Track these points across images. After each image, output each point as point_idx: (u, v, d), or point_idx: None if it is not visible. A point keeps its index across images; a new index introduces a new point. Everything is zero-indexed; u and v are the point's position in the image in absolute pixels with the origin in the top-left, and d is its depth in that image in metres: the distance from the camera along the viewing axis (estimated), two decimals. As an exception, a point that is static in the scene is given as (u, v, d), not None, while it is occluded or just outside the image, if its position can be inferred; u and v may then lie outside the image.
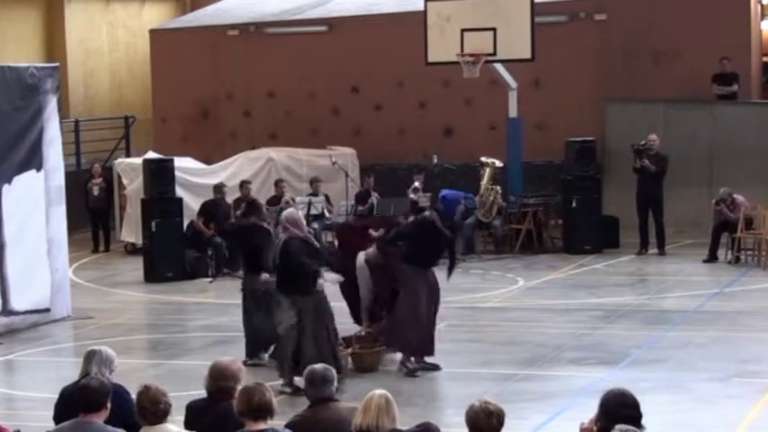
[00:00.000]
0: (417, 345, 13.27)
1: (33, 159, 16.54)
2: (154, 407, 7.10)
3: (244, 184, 21.72)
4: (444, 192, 21.85)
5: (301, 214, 13.69)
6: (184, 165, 22.46)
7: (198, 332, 16.28)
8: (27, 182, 16.42)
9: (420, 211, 14.38)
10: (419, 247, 13.32)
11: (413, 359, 13.29)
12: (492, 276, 19.62)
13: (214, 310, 17.60)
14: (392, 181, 23.35)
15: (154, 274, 20.03)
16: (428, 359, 13.42)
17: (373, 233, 14.29)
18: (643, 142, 20.99)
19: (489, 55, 21.19)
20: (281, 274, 12.71)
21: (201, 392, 7.69)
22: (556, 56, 23.71)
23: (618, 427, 6.23)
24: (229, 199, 21.32)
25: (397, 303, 13.41)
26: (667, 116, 23.80)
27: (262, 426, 6.86)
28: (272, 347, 13.59)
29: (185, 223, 20.85)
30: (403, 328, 13.21)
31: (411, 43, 22.65)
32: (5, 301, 16.07)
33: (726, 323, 15.64)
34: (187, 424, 7.55)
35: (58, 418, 7.93)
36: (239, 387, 7.24)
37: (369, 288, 14.32)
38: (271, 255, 13.21)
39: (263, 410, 6.87)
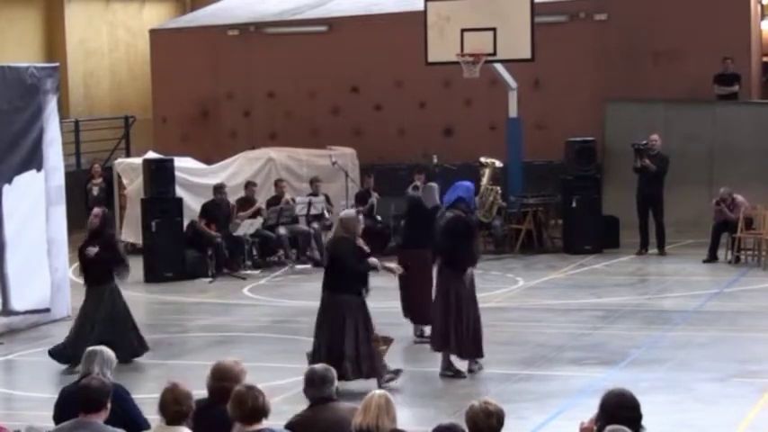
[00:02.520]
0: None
1: (33, 159, 16.54)
2: (176, 406, 7.06)
3: (249, 185, 21.75)
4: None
5: (360, 216, 13.45)
6: (184, 165, 22.45)
7: (198, 332, 16.29)
8: (27, 182, 16.42)
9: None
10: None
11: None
12: (492, 276, 19.61)
13: (214, 310, 17.62)
14: (392, 181, 23.34)
15: (154, 274, 20.04)
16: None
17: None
18: (644, 142, 21.00)
19: (489, 55, 21.19)
20: (328, 272, 12.65)
21: (202, 392, 7.69)
22: (556, 56, 23.72)
23: (609, 427, 6.23)
24: (231, 199, 21.34)
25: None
26: (667, 116, 23.81)
27: (257, 426, 6.86)
28: None
29: (185, 223, 20.85)
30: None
31: (411, 43, 22.65)
32: (5, 301, 16.08)
33: (726, 323, 15.64)
34: (187, 423, 7.55)
35: (58, 418, 7.93)
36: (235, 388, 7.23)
37: None
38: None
39: (256, 414, 6.86)
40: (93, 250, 13.85)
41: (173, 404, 7.04)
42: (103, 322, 13.89)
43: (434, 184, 15.76)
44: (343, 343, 12.34)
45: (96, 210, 14.52)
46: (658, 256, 20.85)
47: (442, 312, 13.19)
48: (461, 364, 13.26)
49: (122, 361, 13.63)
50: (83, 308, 14.14)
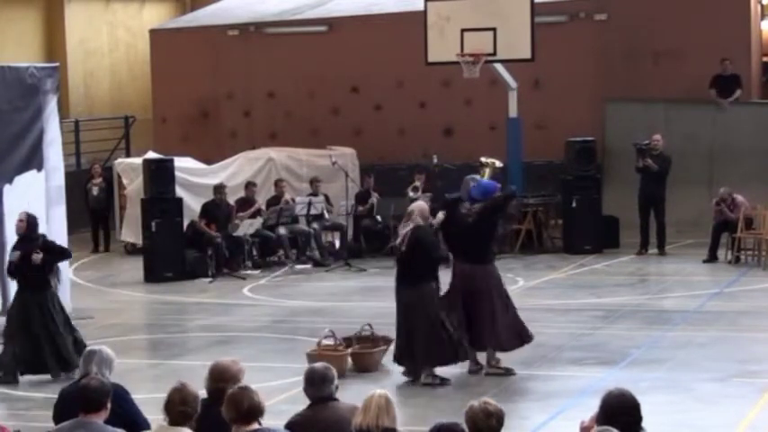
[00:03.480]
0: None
1: (34, 159, 16.54)
2: (182, 407, 7.02)
3: (249, 185, 21.75)
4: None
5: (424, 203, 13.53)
6: (184, 165, 22.46)
7: (198, 332, 16.30)
8: (28, 182, 16.41)
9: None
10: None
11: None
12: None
13: (214, 310, 17.63)
14: (392, 181, 23.35)
15: (154, 274, 20.04)
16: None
17: None
18: (647, 142, 21.00)
19: (489, 55, 21.18)
20: (408, 263, 12.71)
21: (201, 393, 7.68)
22: (556, 56, 23.71)
23: (598, 428, 6.21)
24: (230, 199, 21.34)
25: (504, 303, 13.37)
26: (667, 116, 23.81)
27: (254, 426, 6.85)
28: None
29: (185, 223, 20.85)
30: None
31: (411, 43, 22.65)
32: (5, 301, 16.05)
33: (726, 323, 15.64)
34: (187, 424, 7.54)
35: (58, 418, 7.92)
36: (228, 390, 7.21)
37: None
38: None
39: (252, 414, 6.84)
40: (38, 257, 13.40)
41: (179, 404, 7.02)
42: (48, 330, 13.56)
43: (473, 176, 15.63)
44: (419, 334, 12.63)
45: (22, 214, 13.96)
46: (658, 256, 20.86)
47: (491, 310, 13.14)
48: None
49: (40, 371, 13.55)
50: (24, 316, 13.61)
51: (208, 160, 23.85)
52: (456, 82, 23.44)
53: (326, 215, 21.84)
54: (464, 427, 6.45)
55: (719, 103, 23.72)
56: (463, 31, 21.21)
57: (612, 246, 21.57)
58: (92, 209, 23.70)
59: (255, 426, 6.84)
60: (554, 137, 23.30)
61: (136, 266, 20.74)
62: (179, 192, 21.17)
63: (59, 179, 17.01)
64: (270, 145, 24.99)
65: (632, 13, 24.62)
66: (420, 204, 13.17)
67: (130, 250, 22.84)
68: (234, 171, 22.99)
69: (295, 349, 14.29)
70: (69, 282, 17.54)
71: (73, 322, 14.12)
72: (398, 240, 12.85)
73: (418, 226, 12.71)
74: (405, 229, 12.79)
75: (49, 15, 28.60)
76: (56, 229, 16.87)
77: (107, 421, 7.29)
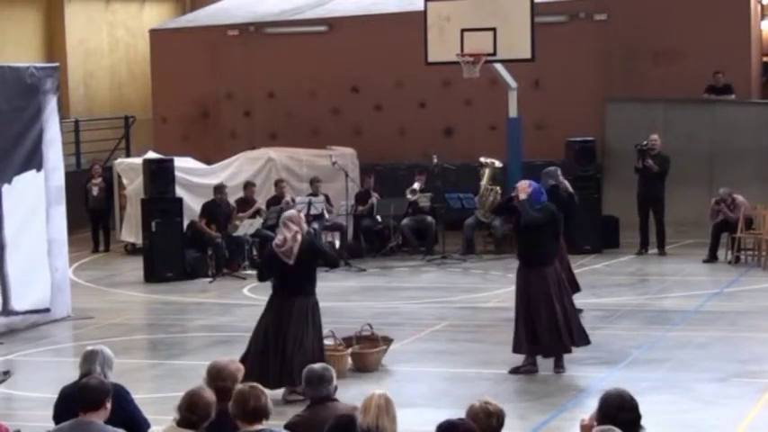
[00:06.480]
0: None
1: (33, 159, 16.53)
2: (188, 413, 6.98)
3: (248, 186, 21.73)
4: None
5: (302, 214, 13.40)
6: (184, 165, 22.45)
7: (198, 332, 16.29)
8: (27, 182, 16.41)
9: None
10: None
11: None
12: (492, 276, 19.60)
13: (214, 310, 17.62)
14: (392, 181, 23.35)
15: (154, 274, 20.03)
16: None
17: None
18: (645, 142, 21.00)
19: (489, 55, 21.16)
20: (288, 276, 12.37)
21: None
22: (556, 56, 23.70)
23: (598, 428, 6.21)
24: (230, 199, 21.33)
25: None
26: (667, 116, 23.80)
27: (257, 427, 6.87)
28: None
29: (185, 223, 20.85)
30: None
31: (411, 43, 22.63)
32: (5, 301, 16.07)
33: (726, 323, 15.64)
34: (186, 424, 7.54)
35: (58, 417, 7.92)
36: (237, 387, 7.23)
37: None
38: None
39: (257, 413, 6.86)
40: None
41: (185, 410, 6.99)
42: None
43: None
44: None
45: None
46: (658, 256, 20.85)
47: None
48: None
49: None
50: None
51: (208, 160, 23.85)
52: (456, 82, 23.42)
53: (326, 215, 21.84)
54: (472, 424, 6.42)
55: (713, 99, 23.79)
56: (463, 31, 21.19)
57: (612, 246, 21.57)
58: (92, 209, 23.69)
59: (258, 426, 6.86)
60: (554, 137, 23.29)
61: (136, 266, 20.74)
62: (179, 192, 21.16)
63: (59, 179, 17.00)
64: (270, 145, 24.97)
65: (632, 13, 24.61)
66: (289, 213, 12.65)
67: (130, 250, 22.84)
68: (234, 171, 22.98)
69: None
70: (69, 282, 17.55)
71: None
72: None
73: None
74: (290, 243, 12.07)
75: (49, 15, 28.60)
76: (56, 229, 16.91)
77: (107, 421, 7.29)
